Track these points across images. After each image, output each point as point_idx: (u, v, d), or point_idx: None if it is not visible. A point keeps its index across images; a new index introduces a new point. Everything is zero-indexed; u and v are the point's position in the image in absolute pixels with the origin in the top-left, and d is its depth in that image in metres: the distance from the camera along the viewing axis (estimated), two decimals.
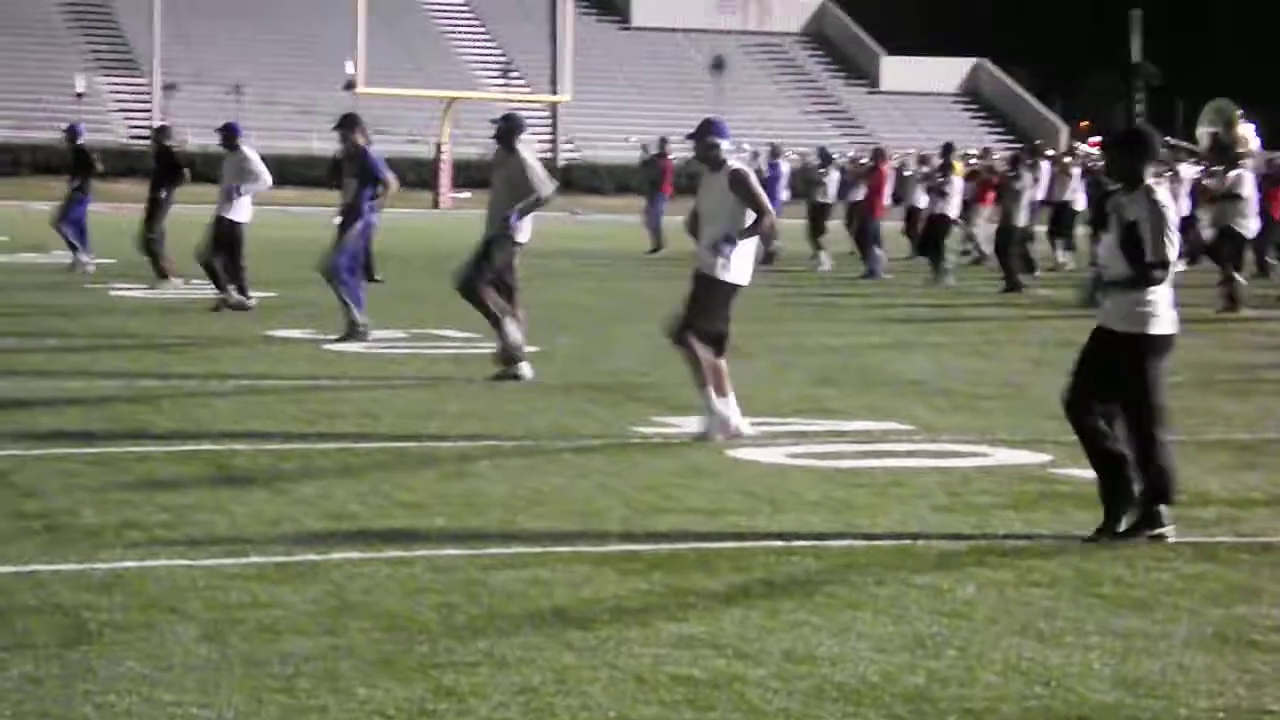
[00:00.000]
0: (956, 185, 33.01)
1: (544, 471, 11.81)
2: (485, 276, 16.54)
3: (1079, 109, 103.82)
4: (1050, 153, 40.67)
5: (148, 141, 47.17)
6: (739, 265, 13.34)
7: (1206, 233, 29.50)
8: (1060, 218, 37.70)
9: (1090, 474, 11.00)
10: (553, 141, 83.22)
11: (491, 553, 9.25)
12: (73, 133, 30.40)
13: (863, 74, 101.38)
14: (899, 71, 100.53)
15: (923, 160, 39.19)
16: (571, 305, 25.06)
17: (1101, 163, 28.32)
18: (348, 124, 20.03)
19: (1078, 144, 50.96)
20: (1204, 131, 31.19)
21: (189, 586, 8.35)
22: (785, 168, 40.54)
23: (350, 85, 67.63)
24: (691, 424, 13.65)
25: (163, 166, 26.84)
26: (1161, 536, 9.88)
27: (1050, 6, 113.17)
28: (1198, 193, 33.67)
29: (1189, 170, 35.03)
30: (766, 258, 34.59)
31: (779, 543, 9.67)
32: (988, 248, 36.10)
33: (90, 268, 29.23)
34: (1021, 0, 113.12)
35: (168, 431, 13.15)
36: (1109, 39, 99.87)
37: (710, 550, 9.47)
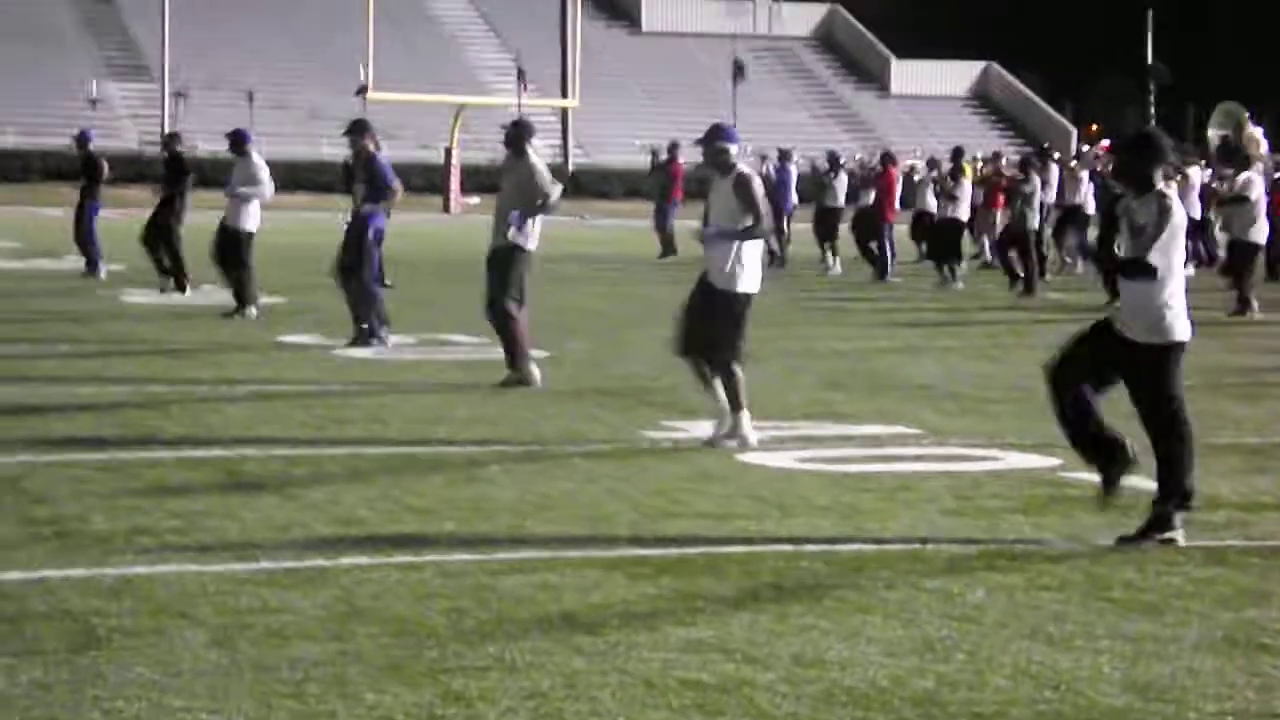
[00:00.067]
0: (966, 189, 33.02)
1: (553, 476, 11.81)
2: (513, 295, 16.44)
3: (1089, 113, 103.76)
4: (1058, 156, 40.66)
5: (158, 148, 47.25)
6: (748, 273, 13.34)
7: (1220, 236, 29.37)
8: (1071, 221, 37.66)
9: (1099, 478, 11.01)
10: (563, 146, 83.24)
11: (500, 558, 9.25)
12: (83, 139, 30.44)
13: (873, 78, 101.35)
14: (909, 75, 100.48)
15: (932, 164, 39.18)
16: (581, 310, 25.06)
17: (1109, 166, 28.33)
18: (357, 130, 20.07)
19: (1084, 147, 50.96)
20: (1214, 134, 31.22)
21: (199, 592, 8.36)
22: (794, 171, 40.51)
23: (362, 90, 67.66)
24: (701, 428, 13.66)
25: (172, 173, 26.95)
26: (1171, 540, 9.88)
27: (1060, 10, 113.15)
28: (1207, 196, 33.70)
29: (1198, 174, 35.01)
30: (770, 259, 34.71)
31: (788, 547, 9.67)
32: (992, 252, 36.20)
33: (102, 274, 29.27)
34: (1032, 3, 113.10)
35: (178, 437, 13.16)
36: (1119, 42, 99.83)
37: (719, 555, 9.47)
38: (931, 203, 35.64)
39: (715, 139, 13.56)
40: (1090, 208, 36.70)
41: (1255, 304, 26.79)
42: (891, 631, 7.91)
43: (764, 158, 42.95)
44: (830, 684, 7.09)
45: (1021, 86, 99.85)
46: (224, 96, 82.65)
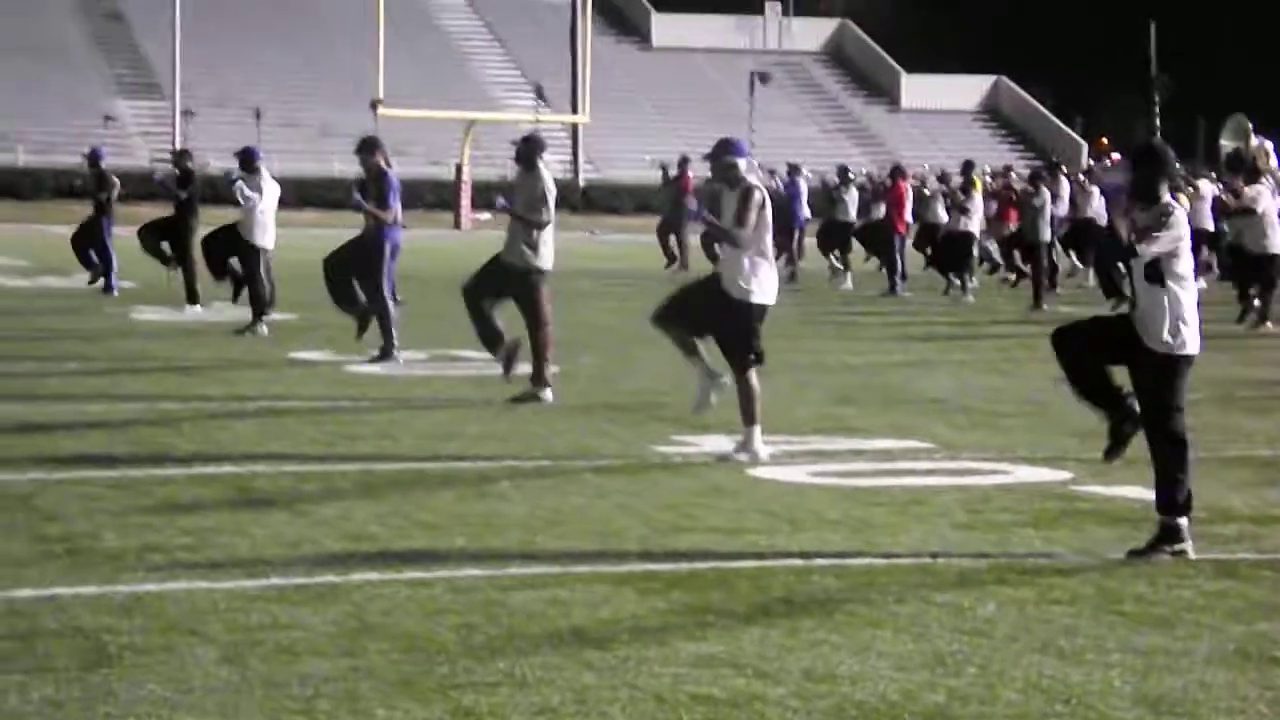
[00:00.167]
0: (978, 202, 33.04)
1: (563, 491, 11.81)
2: (543, 313, 16.48)
3: (1099, 126, 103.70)
4: (1066, 170, 40.67)
5: (169, 164, 47.26)
6: (763, 285, 13.37)
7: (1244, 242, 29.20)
8: (1084, 234, 37.66)
9: (1111, 491, 11.03)
10: (573, 162, 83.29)
11: (511, 573, 9.25)
12: (94, 157, 30.50)
13: (883, 92, 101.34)
14: (919, 89, 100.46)
15: (942, 178, 39.20)
16: (592, 325, 25.07)
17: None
18: (367, 148, 20.11)
19: (1092, 161, 50.95)
20: (1227, 145, 31.21)
21: (209, 609, 8.36)
22: (804, 186, 40.54)
23: (375, 104, 67.79)
24: (712, 443, 13.68)
25: (182, 188, 27.10)
26: (1182, 553, 9.87)
27: (1070, 24, 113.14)
28: (1218, 208, 33.69)
29: (1209, 186, 35.01)
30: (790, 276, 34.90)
31: (799, 561, 9.67)
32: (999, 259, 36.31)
33: (115, 291, 29.33)
34: (1041, 18, 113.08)
35: (188, 454, 13.17)
36: (1129, 56, 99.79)
37: (730, 569, 9.47)
38: (942, 216, 35.66)
39: (723, 154, 13.58)
40: (1102, 221, 36.70)
41: (1256, 312, 26.77)
42: (902, 646, 7.90)
43: (773, 172, 42.96)
44: (841, 699, 7.09)
45: (1031, 100, 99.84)
46: (234, 114, 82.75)
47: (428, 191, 72.09)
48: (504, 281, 16.68)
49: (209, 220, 27.86)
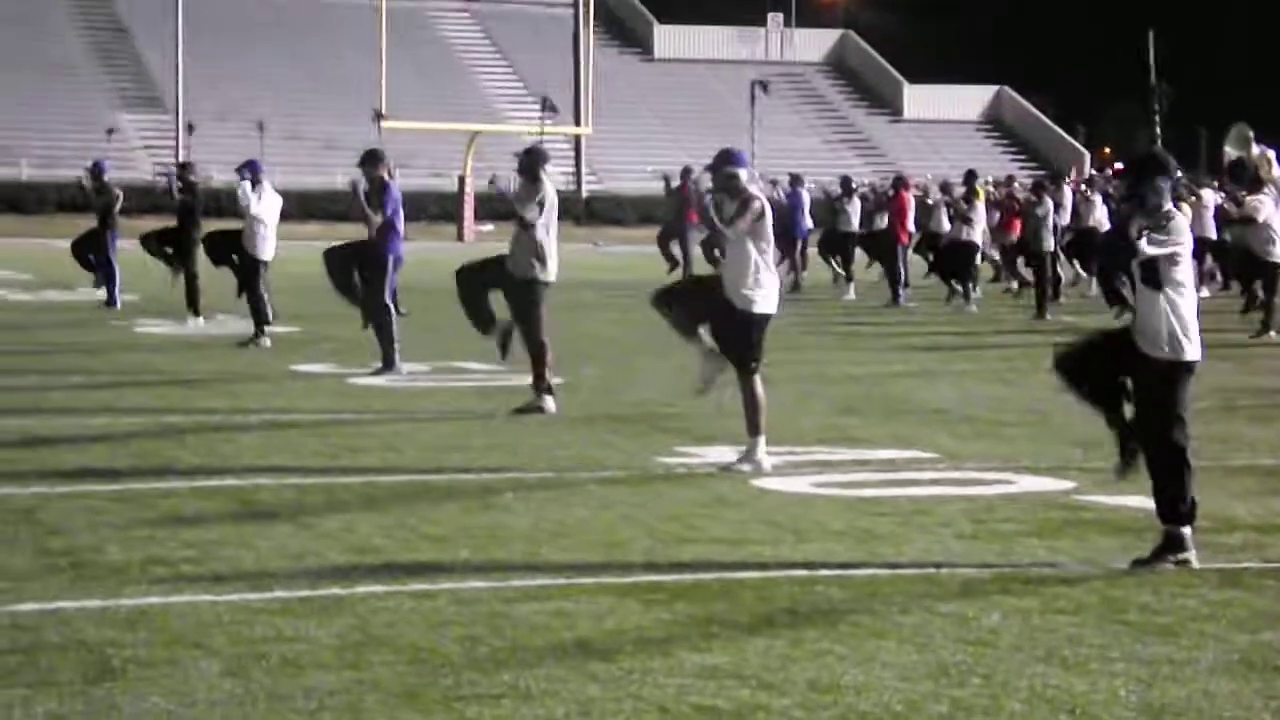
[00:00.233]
0: (980, 211, 33.06)
1: (567, 503, 11.81)
2: (540, 325, 16.47)
3: (1101, 136, 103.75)
4: (1069, 179, 40.70)
5: (166, 176, 47.30)
6: (766, 294, 13.40)
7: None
8: (1086, 243, 37.66)
9: (1115, 501, 11.01)
10: (576, 173, 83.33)
11: (515, 585, 9.25)
12: (98, 170, 30.54)
13: (885, 103, 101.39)
14: (921, 100, 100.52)
15: (945, 188, 39.23)
16: (595, 336, 25.07)
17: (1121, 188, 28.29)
18: (371, 160, 20.12)
19: (1093, 171, 50.96)
20: (1231, 153, 31.18)
21: (213, 622, 8.36)
22: (806, 196, 40.56)
23: (378, 116, 67.85)
24: (716, 454, 13.68)
25: (184, 200, 27.18)
26: (1186, 562, 9.86)
27: (1072, 34, 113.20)
28: (1221, 216, 33.69)
29: (1211, 195, 35.01)
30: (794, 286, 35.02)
31: (803, 572, 9.66)
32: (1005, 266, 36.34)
33: (118, 304, 29.36)
34: (1043, 28, 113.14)
35: (192, 467, 13.17)
36: (1130, 65, 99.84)
37: (734, 580, 9.47)
38: (945, 226, 35.67)
39: (724, 164, 13.60)
40: (1104, 229, 36.72)
41: (1259, 321, 26.77)
42: (906, 656, 7.90)
43: (775, 182, 42.96)
44: (845, 709, 7.08)
45: (1033, 110, 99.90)
46: (237, 127, 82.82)
47: (431, 203, 72.16)
48: (505, 286, 16.66)
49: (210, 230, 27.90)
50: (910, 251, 37.02)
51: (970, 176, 33.89)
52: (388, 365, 19.57)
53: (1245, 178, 29.39)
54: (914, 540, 10.64)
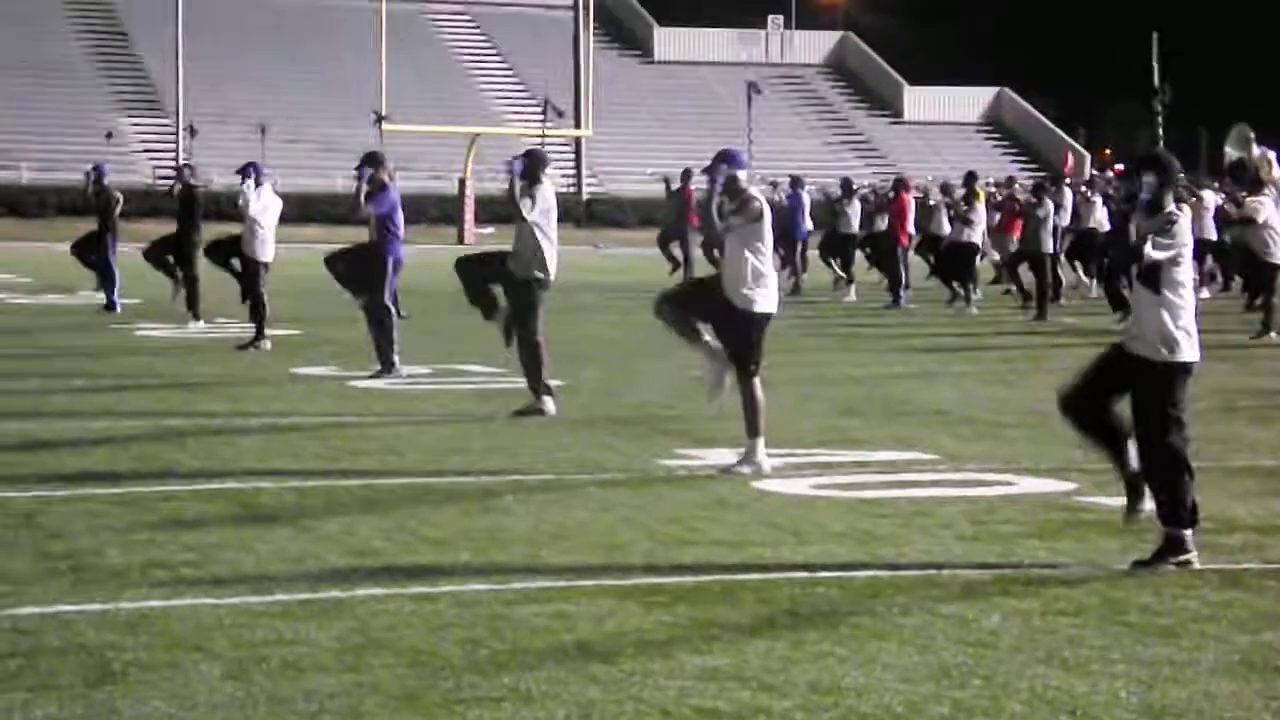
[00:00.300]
0: (981, 213, 33.06)
1: (568, 505, 11.81)
2: (535, 324, 16.45)
3: (1102, 137, 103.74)
4: (1069, 180, 40.71)
5: (171, 181, 47.34)
6: (765, 293, 13.41)
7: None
8: (1086, 245, 37.68)
9: (1115, 502, 10.99)
10: (577, 176, 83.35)
11: (515, 587, 9.25)
12: (98, 173, 30.55)
13: (885, 104, 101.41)
14: (921, 101, 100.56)
15: (945, 189, 39.25)
16: (595, 339, 25.07)
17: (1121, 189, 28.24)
18: (371, 162, 20.11)
19: (1094, 172, 50.95)
20: (1231, 153, 31.15)
21: (214, 625, 8.36)
22: (806, 198, 40.57)
23: (379, 119, 67.88)
24: (716, 456, 13.68)
25: (184, 204, 27.22)
26: (1187, 563, 9.86)
27: (1072, 35, 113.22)
28: (1221, 217, 33.69)
29: (1212, 196, 35.01)
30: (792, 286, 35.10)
31: (803, 574, 9.66)
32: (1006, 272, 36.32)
33: (118, 308, 29.36)
34: (1043, 29, 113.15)
35: (192, 470, 13.17)
36: (1132, 67, 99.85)
37: (735, 582, 9.47)
38: (946, 227, 35.67)
39: (723, 165, 13.60)
40: (1104, 231, 36.69)
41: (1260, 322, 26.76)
42: (907, 658, 7.90)
43: (775, 184, 42.97)
44: (847, 711, 7.08)
45: (1033, 111, 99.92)
46: (237, 130, 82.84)
47: (431, 206, 72.17)
48: (505, 283, 16.65)
49: (213, 235, 27.92)
50: (912, 253, 37.05)
51: (970, 178, 33.89)
52: (386, 368, 19.56)
53: (1246, 178, 29.37)
54: (915, 542, 10.64)
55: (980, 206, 33.17)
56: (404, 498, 12.12)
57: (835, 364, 22.37)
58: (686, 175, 41.90)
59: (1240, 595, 9.24)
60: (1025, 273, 33.00)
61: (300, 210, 61.94)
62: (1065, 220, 36.11)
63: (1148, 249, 9.86)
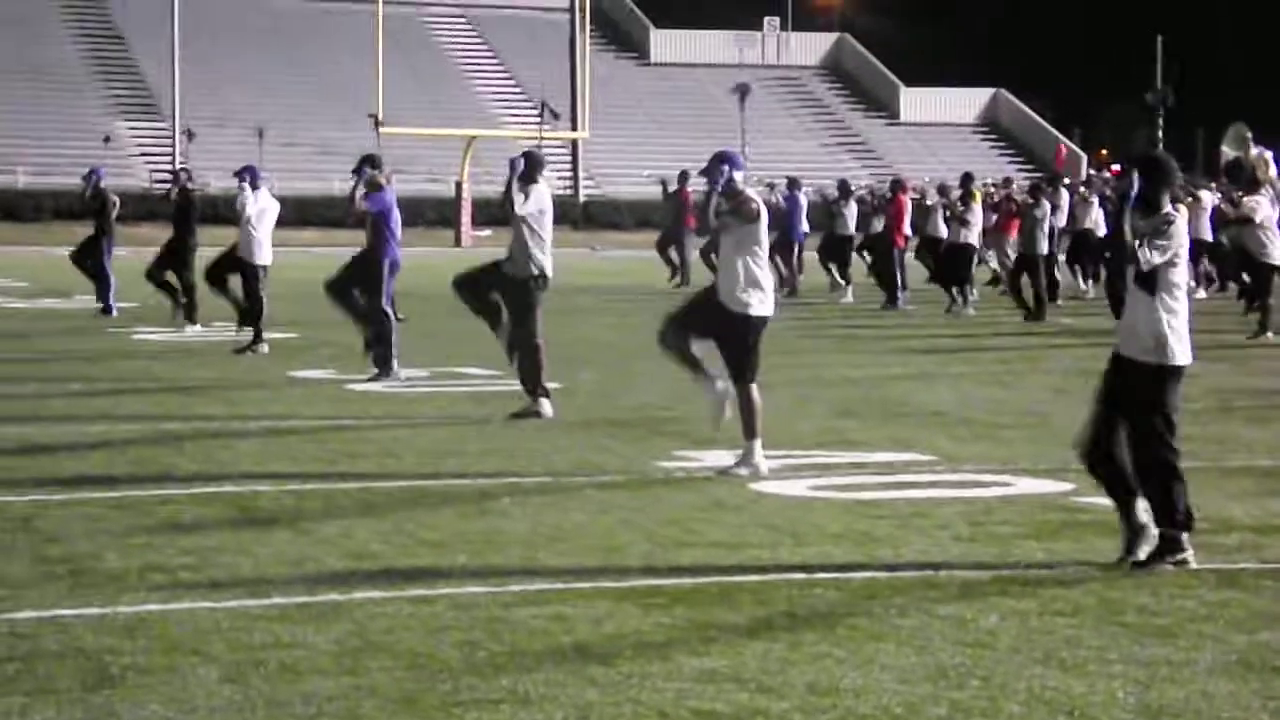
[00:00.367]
0: (977, 214, 33.08)
1: (565, 508, 11.81)
2: (534, 326, 16.45)
3: (1098, 138, 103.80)
4: (1068, 181, 40.73)
5: (168, 185, 47.34)
6: (760, 296, 13.41)
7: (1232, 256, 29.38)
8: (1083, 246, 37.70)
9: (1112, 503, 10.99)
10: (573, 178, 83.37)
11: (513, 590, 9.25)
12: (94, 177, 30.55)
13: (882, 106, 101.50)
14: (918, 102, 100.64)
15: (942, 190, 39.28)
16: (592, 341, 25.08)
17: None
18: (367, 164, 20.12)
19: (1092, 172, 50.99)
20: (1228, 153, 31.18)
21: (212, 628, 8.36)
22: (803, 200, 40.59)
23: (376, 122, 67.91)
24: (714, 458, 13.69)
25: (181, 208, 27.24)
26: (1184, 563, 9.87)
27: (1069, 36, 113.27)
28: (1217, 217, 33.72)
29: (1209, 196, 35.03)
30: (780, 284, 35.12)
31: (801, 575, 9.66)
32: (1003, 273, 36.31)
33: (114, 312, 29.36)
34: (1039, 30, 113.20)
35: (190, 474, 13.17)
36: (1128, 68, 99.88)
37: (732, 584, 9.47)
38: (942, 229, 35.68)
39: (719, 166, 13.61)
40: (1100, 232, 36.72)
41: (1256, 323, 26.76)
42: (905, 659, 7.90)
43: (772, 186, 42.99)
44: (845, 712, 7.08)
45: (1030, 112, 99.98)
46: (234, 134, 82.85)
47: (428, 209, 72.20)
48: (502, 287, 16.65)
49: (209, 239, 27.95)
50: (911, 256, 37.06)
51: (967, 179, 33.91)
52: (384, 371, 19.57)
53: (1242, 178, 29.40)
54: (912, 543, 10.65)
55: (977, 207, 33.18)
56: (402, 500, 12.13)
57: (832, 365, 22.38)
58: (683, 177, 41.95)
59: (1237, 595, 9.25)
60: (1026, 286, 32.95)
61: (297, 213, 62.03)
62: (1062, 221, 36.13)
63: (1145, 254, 9.85)
